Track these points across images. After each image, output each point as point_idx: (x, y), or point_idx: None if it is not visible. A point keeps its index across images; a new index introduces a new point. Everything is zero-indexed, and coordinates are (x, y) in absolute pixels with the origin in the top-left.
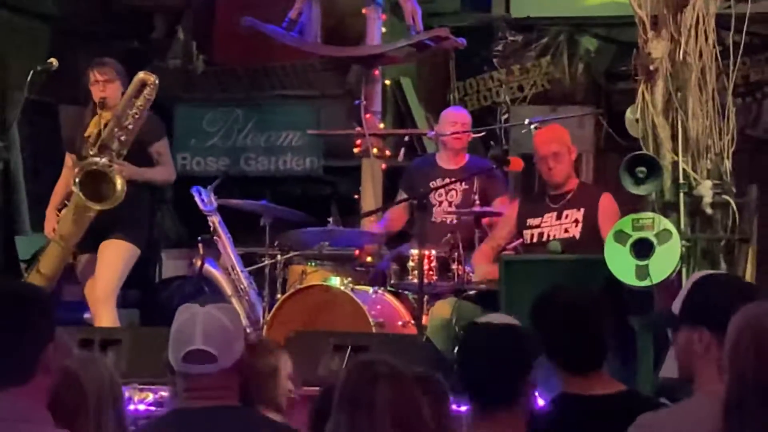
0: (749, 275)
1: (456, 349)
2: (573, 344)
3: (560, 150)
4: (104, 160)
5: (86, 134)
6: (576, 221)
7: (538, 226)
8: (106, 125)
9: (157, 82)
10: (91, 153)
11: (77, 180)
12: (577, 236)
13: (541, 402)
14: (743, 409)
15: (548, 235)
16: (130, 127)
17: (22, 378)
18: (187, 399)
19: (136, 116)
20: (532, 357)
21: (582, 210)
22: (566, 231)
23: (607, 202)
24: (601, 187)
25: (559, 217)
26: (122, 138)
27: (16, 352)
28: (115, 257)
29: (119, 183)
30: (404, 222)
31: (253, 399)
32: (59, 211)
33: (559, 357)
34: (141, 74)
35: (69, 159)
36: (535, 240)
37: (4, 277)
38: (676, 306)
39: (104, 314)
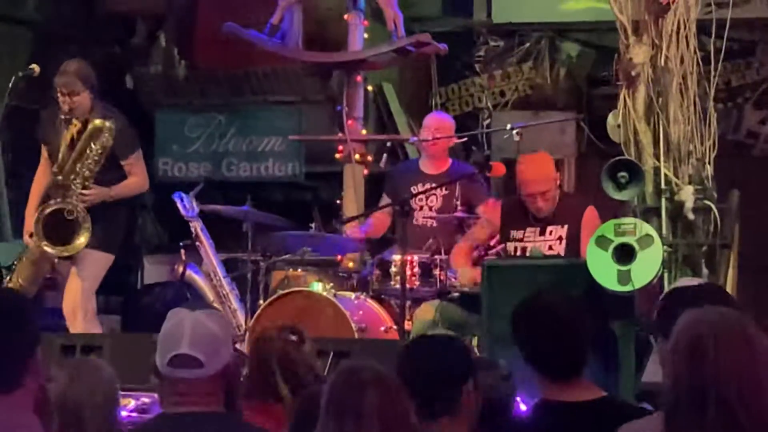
0: (731, 280)
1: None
2: (553, 351)
3: (549, 188)
4: (73, 202)
5: (65, 139)
6: (560, 238)
7: (521, 240)
8: (78, 137)
9: (113, 127)
10: (57, 179)
11: (39, 226)
12: (562, 254)
13: (523, 407)
14: (680, 410)
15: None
16: (92, 167)
17: (10, 385)
18: (172, 404)
19: (96, 159)
20: (469, 367)
21: (566, 227)
22: (550, 248)
23: (590, 217)
24: (584, 199)
25: (542, 233)
26: (85, 174)
27: (3, 360)
28: (86, 268)
29: (81, 238)
30: (387, 227)
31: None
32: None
33: (539, 363)
34: (97, 122)
35: (44, 150)
36: (518, 253)
37: None
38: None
39: (75, 323)
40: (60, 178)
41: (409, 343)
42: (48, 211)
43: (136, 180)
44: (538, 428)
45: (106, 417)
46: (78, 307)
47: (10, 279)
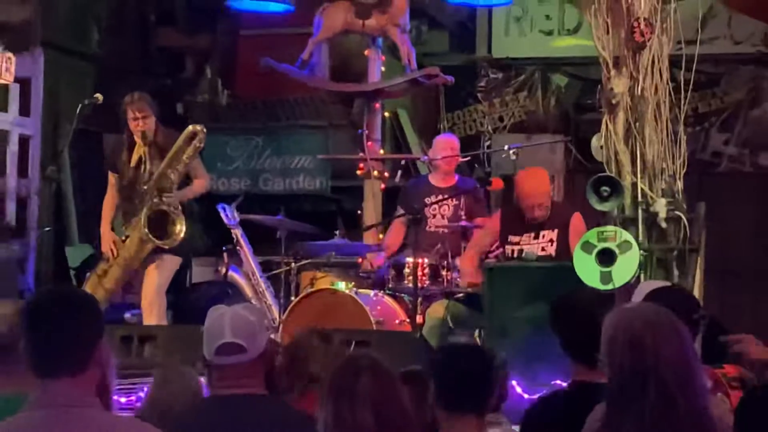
0: (698, 281)
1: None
2: (586, 340)
3: (544, 200)
4: (170, 201)
5: (131, 162)
6: (551, 241)
7: (518, 243)
8: (149, 155)
9: (204, 132)
10: (154, 196)
11: (144, 220)
12: (553, 254)
13: (519, 390)
14: (623, 395)
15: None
16: (180, 169)
17: (77, 369)
18: (219, 387)
19: (186, 162)
20: (495, 373)
21: (556, 231)
22: (543, 250)
23: (576, 222)
24: (570, 206)
25: (536, 237)
26: (174, 178)
27: (72, 348)
28: (159, 269)
29: (179, 226)
30: (402, 238)
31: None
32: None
33: (574, 350)
34: (191, 127)
35: (112, 178)
36: (516, 255)
37: (58, 283)
38: None
39: (151, 315)
40: (147, 187)
41: (440, 349)
42: (151, 212)
43: (200, 182)
44: (572, 404)
45: None
46: (154, 301)
47: (89, 279)
